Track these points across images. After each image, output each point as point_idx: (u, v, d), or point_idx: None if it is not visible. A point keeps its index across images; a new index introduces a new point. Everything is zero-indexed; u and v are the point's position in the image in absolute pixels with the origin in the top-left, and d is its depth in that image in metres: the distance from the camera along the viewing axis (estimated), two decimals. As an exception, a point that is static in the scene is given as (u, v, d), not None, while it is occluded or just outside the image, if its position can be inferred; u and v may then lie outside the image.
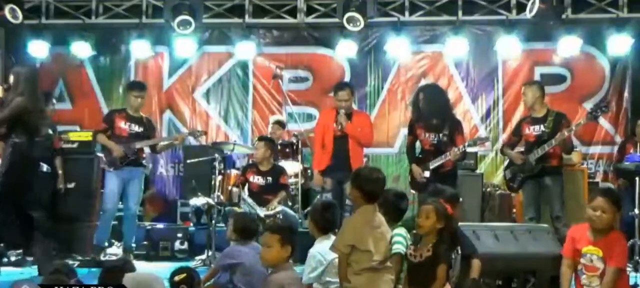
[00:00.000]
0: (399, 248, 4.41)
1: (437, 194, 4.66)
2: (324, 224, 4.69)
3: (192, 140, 9.72)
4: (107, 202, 7.52)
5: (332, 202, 5.07)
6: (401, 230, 4.62)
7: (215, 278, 5.40)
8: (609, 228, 4.42)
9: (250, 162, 8.22)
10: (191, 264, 7.04)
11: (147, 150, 8.02)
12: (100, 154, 7.91)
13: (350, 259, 4.13)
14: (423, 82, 9.22)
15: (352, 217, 4.36)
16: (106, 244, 7.62)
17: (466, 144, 6.84)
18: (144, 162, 7.80)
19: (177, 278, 4.34)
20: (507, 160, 7.45)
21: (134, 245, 7.76)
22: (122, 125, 7.60)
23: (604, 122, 9.05)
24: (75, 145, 8.24)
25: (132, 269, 4.31)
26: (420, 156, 7.13)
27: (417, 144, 7.19)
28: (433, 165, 6.87)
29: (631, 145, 7.81)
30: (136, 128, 7.63)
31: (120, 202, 7.69)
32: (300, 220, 7.88)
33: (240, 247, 5.16)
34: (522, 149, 7.35)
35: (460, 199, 5.19)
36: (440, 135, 6.89)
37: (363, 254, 4.11)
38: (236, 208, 7.32)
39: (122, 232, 7.72)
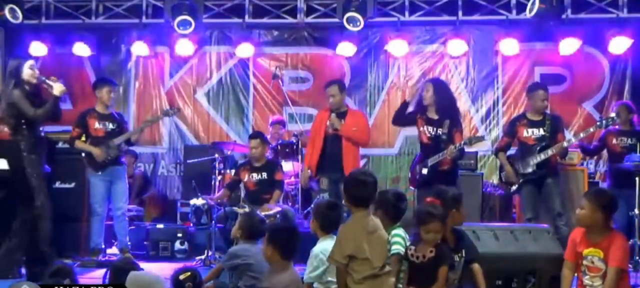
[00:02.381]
0: (397, 248, 4.41)
1: (440, 195, 4.61)
2: (328, 224, 4.65)
3: (193, 141, 9.76)
4: (96, 205, 7.52)
5: (337, 203, 5.04)
6: (400, 231, 4.62)
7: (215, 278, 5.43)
8: (608, 229, 4.46)
9: (245, 160, 8.19)
10: (191, 264, 7.06)
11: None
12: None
13: (350, 268, 4.04)
14: (422, 82, 9.23)
15: (346, 225, 4.26)
16: (103, 246, 7.62)
17: (462, 142, 6.82)
18: (123, 159, 7.77)
19: (182, 276, 4.35)
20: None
21: (129, 243, 7.76)
22: (97, 125, 7.57)
23: (604, 122, 9.05)
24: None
25: (138, 269, 4.31)
26: (419, 152, 7.15)
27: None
28: (431, 162, 6.87)
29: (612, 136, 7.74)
30: (111, 126, 7.62)
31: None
32: (300, 221, 7.88)
33: (248, 247, 5.17)
34: (514, 151, 7.36)
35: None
36: (439, 130, 6.90)
37: (363, 262, 4.00)
38: (236, 209, 7.31)
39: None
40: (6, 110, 6.02)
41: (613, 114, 7.15)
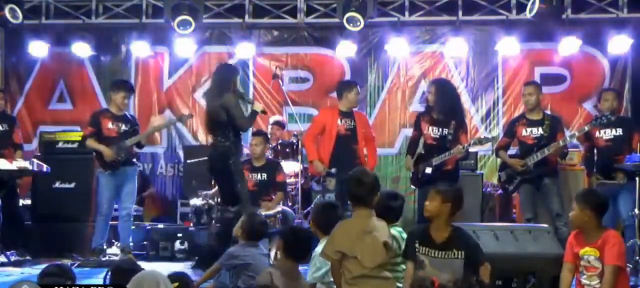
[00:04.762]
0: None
1: (443, 192, 4.58)
2: (326, 225, 4.65)
3: (192, 141, 9.76)
4: (103, 205, 7.52)
5: (332, 203, 5.05)
6: (393, 231, 4.62)
7: (215, 278, 5.42)
8: (601, 228, 4.51)
9: (244, 160, 8.19)
10: (191, 264, 7.06)
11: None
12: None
13: (343, 267, 4.03)
14: (423, 82, 9.25)
15: (342, 222, 4.29)
16: (105, 246, 7.62)
17: (471, 142, 6.86)
18: (134, 159, 7.78)
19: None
20: (501, 161, 7.45)
21: (131, 244, 7.77)
22: (110, 126, 7.57)
23: (604, 123, 9.03)
24: (75, 145, 8.25)
25: (139, 270, 4.27)
26: (422, 152, 7.16)
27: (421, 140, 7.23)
28: (436, 161, 6.88)
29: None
30: (124, 127, 7.62)
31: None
32: (299, 221, 7.88)
33: (247, 247, 5.17)
34: (514, 151, 7.36)
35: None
36: (444, 130, 6.92)
37: (353, 261, 3.99)
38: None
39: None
40: (220, 114, 6.09)
41: (608, 113, 7.08)
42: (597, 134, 7.17)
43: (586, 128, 7.23)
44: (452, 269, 4.28)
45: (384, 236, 4.12)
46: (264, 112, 6.50)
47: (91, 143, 7.55)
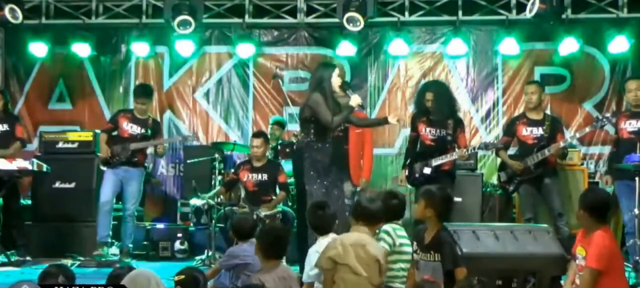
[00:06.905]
0: (382, 244, 4.50)
1: (429, 197, 4.59)
2: (319, 224, 4.71)
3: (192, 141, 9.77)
4: (101, 196, 7.63)
5: (322, 203, 5.04)
6: (387, 227, 4.65)
7: (215, 278, 5.43)
8: (596, 228, 4.43)
9: (244, 160, 8.20)
10: (191, 264, 7.05)
11: (150, 150, 8.16)
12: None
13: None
14: (423, 82, 9.24)
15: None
16: (110, 240, 7.64)
17: (478, 146, 6.96)
18: (140, 161, 7.79)
19: (176, 278, 4.25)
20: (501, 161, 7.45)
21: (131, 245, 7.78)
22: (125, 126, 7.68)
23: (604, 122, 9.02)
24: (75, 145, 8.27)
25: None
26: (419, 152, 7.16)
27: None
28: (436, 162, 6.89)
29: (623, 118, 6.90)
30: (137, 130, 7.68)
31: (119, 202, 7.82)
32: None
33: (245, 246, 5.18)
34: (514, 150, 7.36)
35: (456, 200, 5.05)
36: (442, 131, 6.94)
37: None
38: (236, 209, 7.32)
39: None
40: (304, 111, 6.08)
41: (608, 114, 7.06)
42: (621, 124, 6.87)
43: (587, 129, 7.26)
44: (433, 271, 4.32)
45: (350, 261, 4.18)
46: (362, 106, 6.31)
47: (101, 138, 7.77)
